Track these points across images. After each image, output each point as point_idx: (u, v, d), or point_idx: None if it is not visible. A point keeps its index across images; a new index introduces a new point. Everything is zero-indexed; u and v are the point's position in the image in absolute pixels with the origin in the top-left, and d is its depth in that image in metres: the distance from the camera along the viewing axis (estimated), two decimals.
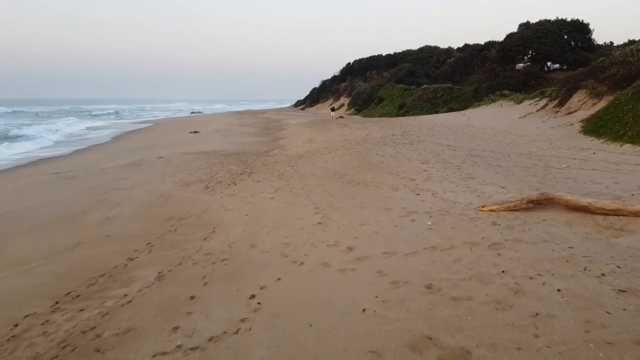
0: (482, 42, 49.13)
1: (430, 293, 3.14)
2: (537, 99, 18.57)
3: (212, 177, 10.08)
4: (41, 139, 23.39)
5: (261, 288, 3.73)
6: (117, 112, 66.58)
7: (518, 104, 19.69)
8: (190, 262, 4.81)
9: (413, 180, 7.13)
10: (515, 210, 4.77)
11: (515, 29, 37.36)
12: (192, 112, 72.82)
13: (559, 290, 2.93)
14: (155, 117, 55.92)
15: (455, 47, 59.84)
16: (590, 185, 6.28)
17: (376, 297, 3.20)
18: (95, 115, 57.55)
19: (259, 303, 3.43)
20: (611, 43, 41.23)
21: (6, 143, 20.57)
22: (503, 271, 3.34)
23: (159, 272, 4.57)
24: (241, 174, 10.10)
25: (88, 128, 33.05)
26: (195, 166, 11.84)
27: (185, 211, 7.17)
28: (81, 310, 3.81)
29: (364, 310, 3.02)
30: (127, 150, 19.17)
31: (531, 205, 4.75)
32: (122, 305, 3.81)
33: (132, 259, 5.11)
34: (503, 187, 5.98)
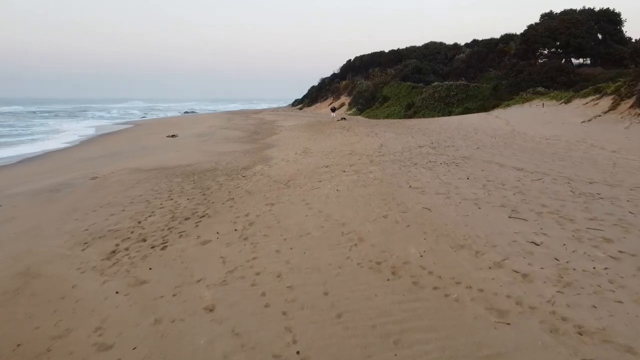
0: (491, 37, 45.25)
1: None
2: (592, 97, 14.64)
3: (139, 224, 6.11)
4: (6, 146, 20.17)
5: None
6: (122, 111, 65.78)
7: (565, 103, 15.74)
8: None
9: (526, 277, 3.14)
10: None
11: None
12: (186, 112, 71.69)
13: None
14: (143, 117, 52.76)
15: (462, 44, 56.03)
16: None
17: None
18: (91, 114, 55.58)
19: None
20: (629, 39, 37.25)
21: None
22: None
23: None
24: (187, 219, 6.13)
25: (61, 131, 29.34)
26: (131, 196, 7.87)
27: (14, 340, 3.21)
28: None
29: None
30: (77, 161, 15.34)
31: None
32: None
33: None
34: None
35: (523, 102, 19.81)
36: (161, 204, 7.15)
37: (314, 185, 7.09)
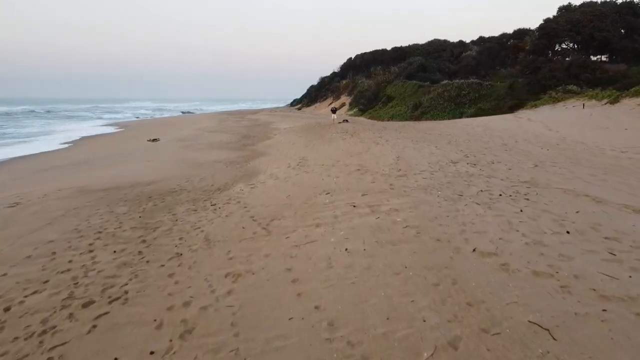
0: (503, 32, 42.68)
1: None
2: None
3: (5, 313, 3.51)
4: None
5: None
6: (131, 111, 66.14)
7: (611, 104, 13.20)
8: None
9: None
10: None
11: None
12: (182, 112, 71.03)
13: None
14: (137, 117, 50.79)
15: (468, 41, 53.48)
16: None
17: None
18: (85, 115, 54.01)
19: None
20: None
21: None
22: None
23: None
24: (87, 306, 3.53)
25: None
26: (36, 242, 5.28)
27: None
28: None
29: None
30: (33, 172, 13.21)
31: None
32: None
33: None
34: None
35: (554, 102, 17.25)
36: (70, 262, 4.55)
37: (308, 234, 4.49)
